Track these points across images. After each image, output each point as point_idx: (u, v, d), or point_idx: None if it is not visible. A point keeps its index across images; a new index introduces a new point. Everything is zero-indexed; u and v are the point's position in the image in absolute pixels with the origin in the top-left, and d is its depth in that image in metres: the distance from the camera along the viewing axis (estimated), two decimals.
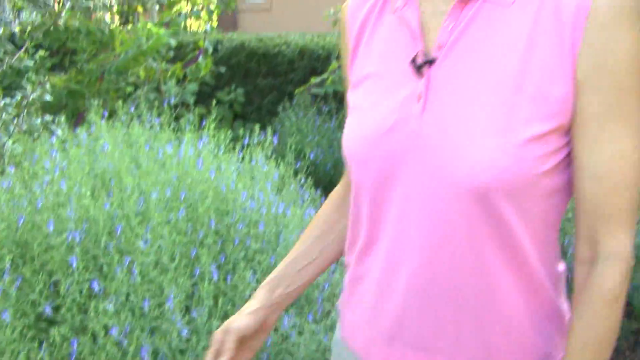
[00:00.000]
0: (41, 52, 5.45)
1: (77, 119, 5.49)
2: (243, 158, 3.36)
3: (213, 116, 3.46)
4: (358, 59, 1.06)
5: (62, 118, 3.38)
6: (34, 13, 3.43)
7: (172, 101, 5.07)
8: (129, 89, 6.25)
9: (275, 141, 3.40)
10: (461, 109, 0.89)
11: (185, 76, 6.25)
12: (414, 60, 0.94)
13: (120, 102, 4.81)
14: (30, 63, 3.45)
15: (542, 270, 0.96)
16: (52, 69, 6.62)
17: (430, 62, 0.93)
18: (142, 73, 6.25)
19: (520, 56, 0.88)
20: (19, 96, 2.79)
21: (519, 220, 0.91)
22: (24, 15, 3.08)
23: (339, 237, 1.20)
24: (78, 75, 5.75)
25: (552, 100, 0.87)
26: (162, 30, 5.63)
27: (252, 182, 2.74)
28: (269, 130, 5.99)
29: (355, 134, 1.00)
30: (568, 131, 0.89)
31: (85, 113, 5.45)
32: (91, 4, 4.90)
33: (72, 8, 3.93)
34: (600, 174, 0.88)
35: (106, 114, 4.25)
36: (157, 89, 6.11)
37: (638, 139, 0.88)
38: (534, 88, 0.87)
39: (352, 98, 1.05)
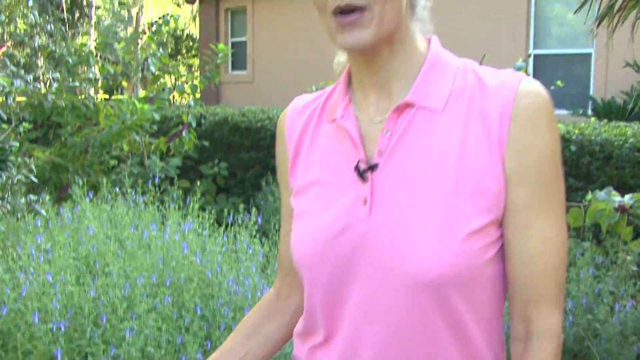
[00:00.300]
0: (25, 125, 5.48)
1: (60, 192, 5.48)
2: (227, 236, 3.36)
3: (198, 196, 3.47)
4: (299, 167, 1.12)
5: (47, 198, 3.37)
6: (17, 85, 3.46)
7: (156, 175, 5.08)
8: (113, 162, 6.26)
9: (260, 219, 3.41)
10: (406, 210, 0.96)
11: (169, 150, 6.29)
12: (357, 167, 1.01)
13: (104, 179, 4.82)
14: (16, 143, 3.48)
15: (490, 356, 1.02)
16: (35, 140, 6.64)
17: (372, 167, 1.00)
18: (125, 147, 6.28)
19: (455, 157, 0.96)
20: (3, 177, 2.79)
21: (468, 308, 0.97)
22: (10, 99, 3.11)
23: (265, 342, 1.23)
24: (62, 149, 5.76)
25: (487, 195, 0.95)
26: (147, 106, 5.69)
27: (237, 264, 2.74)
28: (253, 206, 6.01)
29: (305, 240, 1.05)
30: (502, 222, 0.98)
31: (69, 186, 5.44)
32: (77, 83, 4.95)
33: (59, 88, 3.97)
34: (529, 259, 0.97)
35: (90, 192, 4.25)
36: (141, 163, 6.14)
37: (561, 225, 0.98)
38: (471, 186, 0.95)
39: (297, 204, 1.11)
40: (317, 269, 1.03)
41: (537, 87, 0.98)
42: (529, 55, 4.69)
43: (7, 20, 3.11)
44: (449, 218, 0.94)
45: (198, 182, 3.95)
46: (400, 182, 0.98)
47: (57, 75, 4.09)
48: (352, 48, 0.99)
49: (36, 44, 3.43)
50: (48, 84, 3.99)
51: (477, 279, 0.95)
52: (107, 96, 6.88)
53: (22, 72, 3.22)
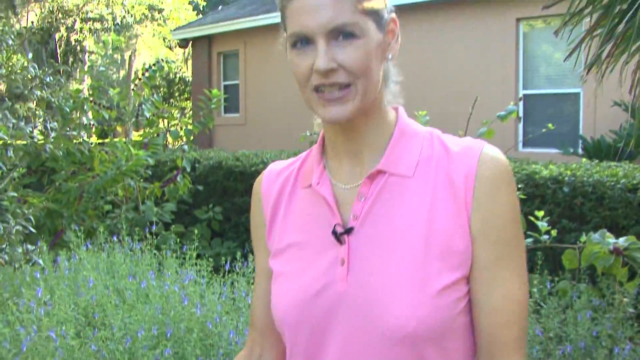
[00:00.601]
0: (19, 170, 5.49)
1: (54, 238, 5.47)
2: (224, 283, 3.36)
3: (195, 243, 3.48)
4: (276, 230, 1.20)
5: (44, 246, 3.37)
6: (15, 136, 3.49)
7: (153, 223, 5.08)
8: (107, 207, 6.26)
9: None
10: (382, 270, 1.04)
11: (163, 194, 6.30)
12: (334, 231, 1.08)
13: (100, 225, 4.82)
14: (15, 193, 3.49)
15: None
16: (29, 185, 6.63)
17: (348, 231, 1.08)
18: (120, 192, 6.28)
19: (425, 220, 1.05)
20: (1, 228, 2.79)
21: (442, 357, 1.04)
22: (10, 151, 3.14)
23: None
24: (56, 195, 5.76)
25: (456, 254, 1.04)
26: (142, 152, 5.72)
27: (236, 313, 2.74)
28: (248, 251, 6.00)
29: (286, 299, 1.12)
30: (469, 278, 1.06)
31: (63, 232, 5.43)
32: (73, 129, 4.99)
33: (56, 137, 4.00)
34: (495, 311, 1.05)
35: (86, 240, 4.25)
36: (135, 208, 6.14)
37: (522, 279, 1.07)
38: (440, 245, 1.04)
39: (275, 266, 1.18)
40: (299, 327, 1.10)
41: (497, 154, 1.08)
42: (520, 99, 4.75)
43: (7, 73, 3.16)
44: (422, 276, 1.02)
45: (195, 230, 3.95)
46: (375, 244, 1.06)
47: (55, 124, 4.12)
48: (335, 121, 1.06)
49: (36, 96, 3.48)
50: (45, 133, 4.01)
51: (450, 330, 1.03)
52: (100, 140, 6.89)
53: (22, 123, 3.25)
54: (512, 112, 4.08)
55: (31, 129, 3.75)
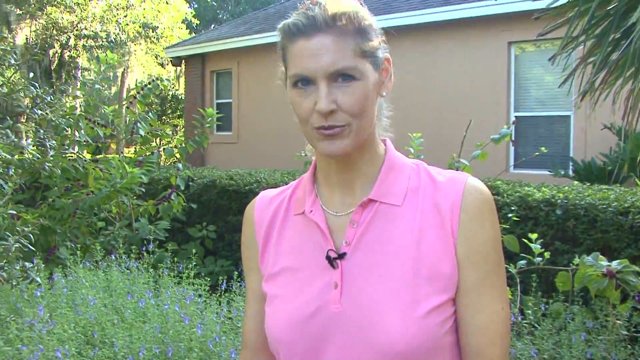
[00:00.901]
0: (10, 185, 5.48)
1: (47, 254, 5.46)
2: (221, 302, 3.37)
3: (193, 262, 3.49)
4: (268, 255, 1.27)
5: (41, 264, 3.37)
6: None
7: (150, 242, 5.09)
8: (100, 224, 6.26)
9: None
10: (373, 292, 1.11)
11: (157, 212, 6.31)
12: (328, 256, 1.16)
13: (96, 243, 4.83)
14: (14, 212, 3.51)
15: None
16: (21, 201, 6.61)
17: (341, 256, 1.16)
18: (114, 209, 6.29)
19: (414, 245, 1.13)
20: (1, 247, 2.81)
21: None
22: (11, 170, 3.15)
23: None
24: (50, 211, 5.75)
25: (443, 277, 1.11)
26: (137, 170, 5.73)
27: (234, 332, 2.75)
28: (242, 269, 6.00)
29: (281, 320, 1.18)
30: (455, 300, 1.14)
31: (56, 248, 5.42)
32: (71, 150, 5.00)
33: (55, 155, 4.01)
34: (479, 330, 1.13)
35: (79, 256, 4.25)
36: (129, 225, 6.14)
37: (504, 300, 1.16)
38: (428, 269, 1.11)
39: (269, 289, 1.24)
40: (294, 346, 1.16)
41: (480, 185, 1.17)
42: (513, 122, 4.81)
43: (8, 92, 3.18)
44: (411, 298, 1.09)
45: (193, 250, 3.97)
46: (367, 268, 1.14)
47: (54, 142, 4.14)
48: (334, 155, 1.14)
49: (37, 115, 3.50)
50: (44, 150, 4.03)
51: (438, 348, 1.10)
52: (91, 156, 6.90)
53: (24, 142, 3.28)
54: (506, 135, 4.13)
55: (32, 146, 3.77)
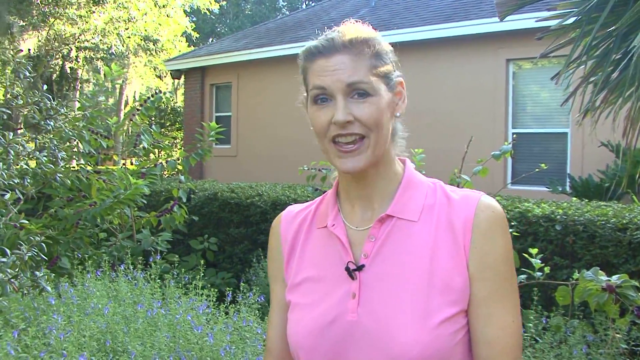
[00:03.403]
0: (12, 195, 5.52)
1: (49, 264, 5.49)
2: (228, 313, 3.42)
3: (201, 273, 3.54)
4: (293, 265, 1.35)
5: (50, 273, 3.42)
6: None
7: (158, 254, 5.14)
8: (102, 235, 6.30)
9: (262, 298, 3.48)
10: (389, 303, 1.18)
11: (158, 223, 6.35)
12: (347, 267, 1.23)
13: (104, 255, 4.87)
14: (26, 221, 3.56)
15: None
16: (22, 211, 6.63)
17: (359, 268, 1.22)
18: (116, 220, 6.33)
19: (428, 259, 1.19)
20: (14, 256, 2.85)
21: None
22: (27, 180, 3.21)
23: None
24: (52, 221, 5.79)
25: (455, 290, 1.18)
26: (140, 181, 5.77)
27: (242, 343, 2.80)
28: (243, 282, 6.04)
29: (302, 328, 1.25)
30: (467, 312, 1.20)
31: (58, 259, 5.46)
32: (74, 159, 5.06)
33: (66, 166, 4.06)
34: (491, 342, 1.18)
35: (85, 266, 4.29)
36: (130, 237, 6.18)
37: (516, 312, 1.21)
38: (441, 282, 1.18)
39: (292, 297, 1.31)
40: (313, 352, 1.23)
41: (493, 202, 1.23)
42: (514, 139, 4.89)
43: (23, 104, 3.24)
44: (424, 309, 1.16)
45: (201, 261, 4.02)
46: (383, 280, 1.20)
47: (64, 153, 4.20)
48: (351, 171, 1.23)
49: (50, 127, 3.57)
50: (54, 161, 4.09)
51: (449, 358, 1.15)
52: (92, 167, 6.95)
53: (38, 153, 3.34)
54: (507, 152, 4.21)
55: (45, 157, 3.83)
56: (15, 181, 2.85)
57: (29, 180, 3.36)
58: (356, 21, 1.28)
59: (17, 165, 2.93)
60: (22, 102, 3.20)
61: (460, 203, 1.23)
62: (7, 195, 2.90)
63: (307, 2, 40.49)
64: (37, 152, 3.33)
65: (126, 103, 26.08)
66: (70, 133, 4.62)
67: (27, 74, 3.44)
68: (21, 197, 3.15)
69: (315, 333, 1.22)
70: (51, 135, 4.08)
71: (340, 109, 1.19)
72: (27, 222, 5.65)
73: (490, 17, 9.74)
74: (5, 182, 2.73)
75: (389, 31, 10.85)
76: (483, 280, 1.18)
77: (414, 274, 1.19)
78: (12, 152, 2.71)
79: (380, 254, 1.23)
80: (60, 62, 20.80)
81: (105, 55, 21.10)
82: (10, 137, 2.74)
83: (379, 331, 1.16)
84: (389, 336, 1.15)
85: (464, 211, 1.22)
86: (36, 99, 3.42)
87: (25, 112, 3.53)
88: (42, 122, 3.60)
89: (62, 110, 3.74)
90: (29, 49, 17.83)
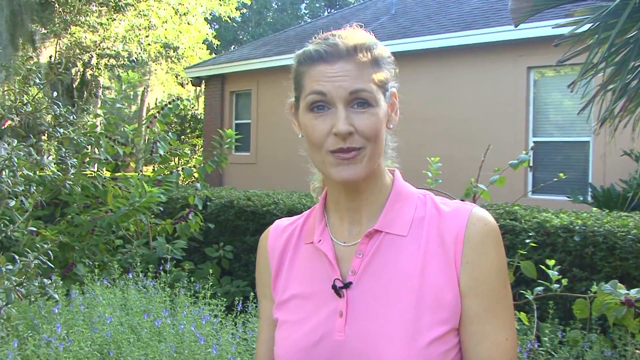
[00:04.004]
0: (30, 201, 5.54)
1: (65, 270, 5.49)
2: (236, 324, 3.38)
3: (210, 283, 3.50)
4: (280, 282, 1.30)
5: (59, 280, 3.40)
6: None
7: (167, 262, 5.12)
8: (118, 242, 6.30)
9: None
10: (377, 322, 1.12)
11: (174, 230, 6.34)
12: (334, 285, 1.18)
13: (114, 262, 4.85)
14: (34, 228, 3.56)
15: None
16: (40, 217, 6.67)
17: (347, 285, 1.17)
18: (132, 227, 6.33)
19: (418, 275, 1.13)
20: (20, 263, 2.83)
21: None
22: (33, 187, 3.19)
23: None
24: (69, 227, 5.81)
25: (445, 307, 1.11)
26: (155, 189, 5.77)
27: (249, 354, 2.76)
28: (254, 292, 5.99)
29: (288, 346, 1.20)
30: (459, 330, 1.14)
31: (74, 265, 5.46)
32: (91, 168, 5.07)
33: (76, 174, 4.06)
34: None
35: (97, 274, 4.28)
36: (146, 244, 6.18)
37: (509, 329, 1.14)
38: (431, 300, 1.12)
39: (279, 315, 1.27)
40: None
41: (485, 215, 1.17)
42: (532, 148, 4.80)
43: (32, 110, 3.23)
44: (413, 329, 1.10)
45: (210, 270, 3.98)
46: (371, 298, 1.15)
47: (75, 161, 4.19)
48: (347, 180, 1.17)
49: (60, 134, 3.56)
50: (65, 168, 4.08)
51: None
52: (110, 174, 6.95)
53: (45, 159, 3.33)
54: (525, 161, 4.13)
55: (53, 164, 3.83)
56: (21, 189, 2.83)
57: (34, 188, 3.34)
58: (359, 26, 1.23)
59: (21, 172, 2.92)
60: (31, 109, 3.19)
61: (451, 215, 1.18)
62: (12, 203, 2.89)
63: (328, 10, 40.59)
64: (45, 160, 3.31)
65: (148, 111, 26.27)
66: (82, 140, 4.61)
67: (38, 80, 3.44)
68: (26, 204, 3.13)
69: (301, 353, 1.18)
70: (57, 143, 4.07)
71: (342, 118, 1.13)
72: (42, 228, 5.69)
73: (511, 25, 9.64)
74: (10, 190, 2.71)
75: (408, 39, 10.79)
76: (475, 297, 1.13)
77: (402, 291, 1.14)
78: (15, 159, 2.70)
79: (368, 271, 1.18)
80: (81, 70, 21.01)
81: (125, 63, 21.27)
82: (14, 144, 2.73)
83: (366, 352, 1.12)
84: (377, 357, 1.10)
85: (455, 224, 1.16)
86: (43, 105, 3.41)
87: (33, 120, 3.53)
88: (51, 129, 3.60)
89: (72, 117, 3.73)
90: (50, 56, 18.03)
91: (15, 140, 2.76)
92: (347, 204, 1.24)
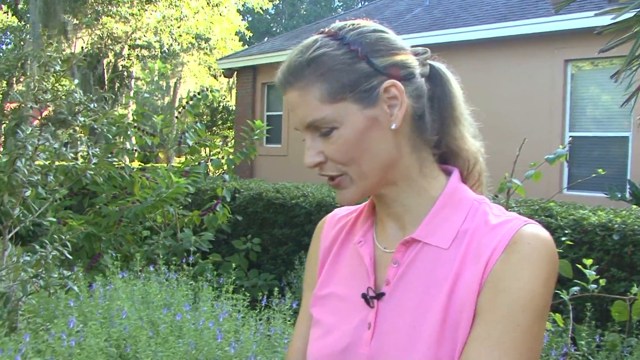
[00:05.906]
0: (61, 192, 5.53)
1: (91, 261, 5.47)
2: (260, 319, 3.29)
3: (232, 278, 3.42)
4: (324, 274, 1.20)
5: (80, 272, 3.34)
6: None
7: (190, 255, 5.06)
8: (145, 232, 6.27)
9: (295, 304, 3.34)
10: (403, 339, 1.01)
11: (202, 222, 6.29)
12: (366, 294, 1.07)
13: (138, 253, 4.80)
14: (54, 219, 3.51)
15: None
16: (69, 207, 6.68)
17: (379, 295, 1.06)
18: (159, 218, 6.29)
19: (447, 294, 0.98)
20: (38, 254, 2.77)
21: None
22: (50, 176, 3.13)
23: None
24: (96, 217, 5.79)
25: (462, 330, 0.96)
26: (183, 180, 5.72)
27: (271, 351, 2.66)
28: (285, 284, 5.91)
29: (316, 349, 1.12)
30: None
31: (100, 255, 5.44)
32: (117, 157, 5.02)
33: (98, 164, 4.00)
34: None
35: (122, 266, 4.22)
36: (174, 235, 6.13)
37: None
38: (453, 319, 0.97)
39: (314, 311, 1.18)
40: None
41: (538, 233, 0.98)
42: (569, 142, 4.64)
43: (52, 98, 3.17)
44: (436, 350, 0.97)
45: (233, 264, 3.90)
46: (401, 313, 1.03)
47: (97, 150, 4.14)
48: (343, 205, 1.11)
49: (80, 122, 3.50)
50: (87, 158, 4.03)
51: None
52: (141, 165, 6.93)
53: (64, 149, 3.26)
54: (562, 156, 3.97)
55: (74, 154, 3.77)
56: (36, 178, 2.76)
57: (53, 177, 3.28)
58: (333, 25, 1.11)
59: (36, 160, 2.85)
60: (50, 96, 3.12)
61: (497, 228, 0.99)
62: (28, 192, 2.82)
63: (362, 2, 40.36)
64: (63, 149, 3.25)
65: (180, 102, 26.43)
66: (102, 129, 4.56)
67: (58, 67, 3.37)
68: (43, 193, 3.06)
69: (325, 359, 1.09)
70: (74, 130, 4.02)
71: (306, 152, 1.05)
72: (71, 217, 5.68)
73: (548, 16, 9.40)
74: (25, 179, 2.63)
75: (442, 30, 10.60)
76: (484, 319, 0.94)
77: (433, 308, 0.99)
78: (29, 147, 2.61)
79: (402, 283, 1.05)
80: (113, 61, 21.15)
81: (157, 54, 21.35)
82: (28, 132, 2.66)
83: None
84: None
85: (497, 238, 0.98)
86: (63, 94, 3.33)
87: (52, 107, 3.47)
88: (71, 118, 3.53)
89: (92, 105, 3.66)
90: (82, 47, 18.15)
91: (30, 128, 2.69)
92: (385, 210, 1.12)
